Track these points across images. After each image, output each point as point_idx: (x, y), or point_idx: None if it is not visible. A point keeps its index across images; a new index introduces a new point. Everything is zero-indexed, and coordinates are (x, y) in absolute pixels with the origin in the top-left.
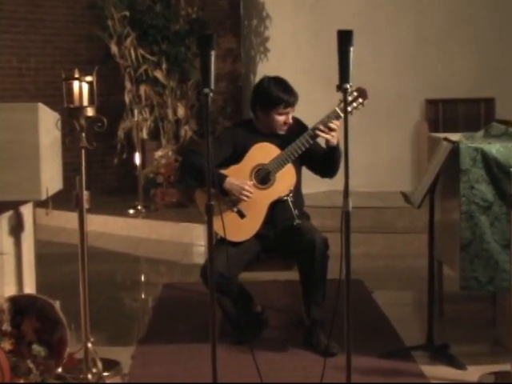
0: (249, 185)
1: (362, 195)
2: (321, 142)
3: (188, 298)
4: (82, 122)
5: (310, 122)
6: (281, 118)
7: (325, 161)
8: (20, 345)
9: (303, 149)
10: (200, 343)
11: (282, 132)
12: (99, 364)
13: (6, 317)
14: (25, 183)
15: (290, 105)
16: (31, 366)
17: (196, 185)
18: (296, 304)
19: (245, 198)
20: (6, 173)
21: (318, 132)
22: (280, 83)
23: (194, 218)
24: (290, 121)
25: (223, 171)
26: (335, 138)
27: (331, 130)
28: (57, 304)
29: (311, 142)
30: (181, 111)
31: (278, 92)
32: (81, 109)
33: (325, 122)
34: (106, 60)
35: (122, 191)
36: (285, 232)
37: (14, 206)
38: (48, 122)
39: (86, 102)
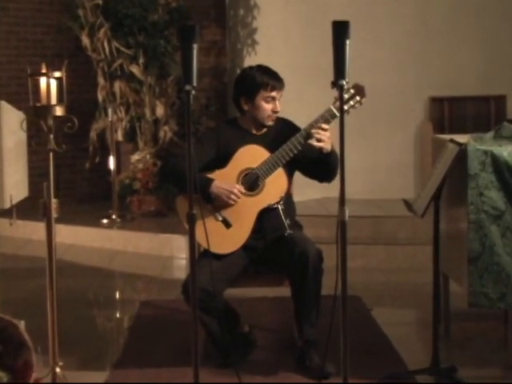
0: (238, 188)
1: (359, 203)
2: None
3: (168, 317)
4: (50, 122)
5: (301, 122)
6: (268, 106)
7: (320, 166)
8: None
9: (295, 151)
10: (181, 367)
11: (270, 123)
12: None
13: None
14: None
15: (276, 87)
16: None
17: (177, 191)
18: (287, 323)
19: (233, 202)
20: None
21: (310, 141)
22: (263, 67)
23: (174, 228)
24: (279, 109)
25: (208, 175)
26: (329, 143)
27: (320, 140)
28: (21, 324)
29: (303, 143)
30: (160, 110)
31: (263, 75)
32: (48, 108)
33: (318, 124)
34: (76, 53)
35: (95, 199)
36: (275, 243)
37: None
38: (12, 122)
39: (54, 100)
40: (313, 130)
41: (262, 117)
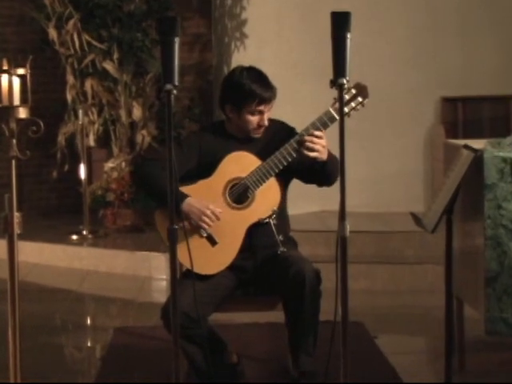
0: (211, 209)
1: (361, 217)
2: None
3: (145, 346)
4: (13, 125)
5: (296, 125)
6: (253, 119)
7: (316, 173)
8: None
9: (289, 159)
10: None
11: (256, 135)
12: None
13: None
14: None
15: (264, 101)
16: None
17: (155, 204)
18: (280, 352)
19: (205, 225)
20: None
21: (303, 151)
22: (254, 74)
23: (153, 245)
24: (266, 123)
25: (190, 187)
26: (324, 152)
27: (313, 149)
28: None
29: (298, 151)
30: (137, 112)
31: (251, 84)
32: (11, 109)
33: (312, 131)
34: (42, 48)
35: (63, 212)
36: (266, 263)
37: None
38: None
39: (17, 100)
40: (306, 138)
41: (247, 129)
